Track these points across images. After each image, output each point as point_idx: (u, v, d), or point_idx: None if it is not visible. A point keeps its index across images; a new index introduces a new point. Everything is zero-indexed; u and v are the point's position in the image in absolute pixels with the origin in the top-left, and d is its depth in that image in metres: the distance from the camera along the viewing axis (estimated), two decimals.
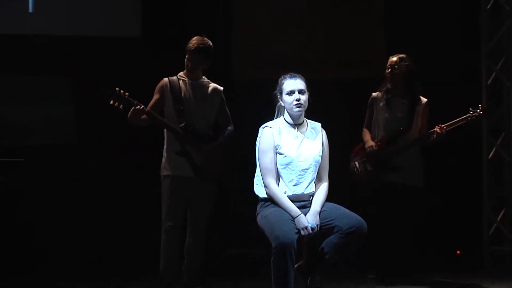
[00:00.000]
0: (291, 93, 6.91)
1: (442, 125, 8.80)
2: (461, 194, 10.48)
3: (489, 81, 10.40)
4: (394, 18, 10.97)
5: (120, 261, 9.74)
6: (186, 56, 8.37)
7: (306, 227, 6.68)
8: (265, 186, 6.85)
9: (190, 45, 8.35)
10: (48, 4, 10.23)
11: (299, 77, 6.99)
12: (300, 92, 6.89)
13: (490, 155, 10.41)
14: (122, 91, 8.11)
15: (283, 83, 6.98)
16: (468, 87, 10.24)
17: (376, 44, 10.69)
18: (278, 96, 7.01)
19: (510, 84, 10.41)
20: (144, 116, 8.16)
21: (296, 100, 6.87)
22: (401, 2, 10.91)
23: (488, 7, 10.42)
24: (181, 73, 8.48)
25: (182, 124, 8.35)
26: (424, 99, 8.98)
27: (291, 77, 6.98)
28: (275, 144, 6.87)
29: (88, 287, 8.80)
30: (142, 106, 8.16)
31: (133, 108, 8.11)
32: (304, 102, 6.88)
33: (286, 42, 10.89)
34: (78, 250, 9.81)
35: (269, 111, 7.12)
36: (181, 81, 8.49)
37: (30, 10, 10.20)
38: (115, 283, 8.95)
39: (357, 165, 9.04)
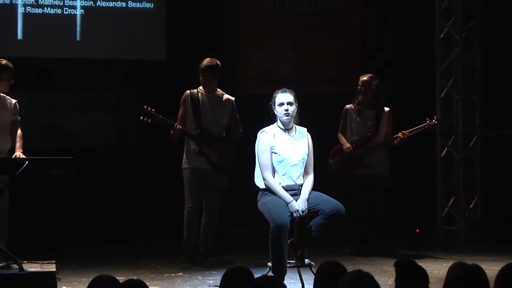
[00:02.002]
0: (281, 104, 6.96)
1: (405, 131, 8.91)
2: (420, 184, 10.47)
3: (442, 95, 10.38)
4: (367, 46, 10.95)
5: (153, 235, 9.67)
6: (200, 73, 8.44)
7: (297, 211, 6.77)
8: (263, 179, 6.90)
9: (201, 64, 8.54)
10: (93, 33, 10.14)
11: (289, 91, 7.03)
12: (289, 103, 6.94)
13: (443, 154, 10.40)
14: (149, 108, 8.33)
15: (275, 96, 7.03)
16: (425, 99, 10.22)
17: (353, 66, 10.63)
18: (273, 107, 7.02)
19: (459, 97, 10.37)
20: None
21: (285, 110, 6.92)
22: (373, 34, 10.85)
23: (441, 36, 10.39)
24: (200, 87, 8.58)
25: (199, 130, 8.47)
26: (387, 109, 9.06)
27: (282, 92, 7.03)
28: (271, 145, 6.91)
29: (127, 259, 8.71)
30: (180, 127, 8.40)
31: (173, 129, 8.38)
32: (292, 112, 6.95)
33: (282, 64, 10.83)
34: (117, 229, 9.71)
35: (267, 119, 7.12)
36: (199, 94, 8.59)
37: (78, 38, 10.09)
38: (147, 255, 8.87)
39: (335, 162, 9.08)
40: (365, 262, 8.26)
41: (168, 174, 9.28)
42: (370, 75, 9.03)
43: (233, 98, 8.65)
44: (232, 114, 8.61)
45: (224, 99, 8.61)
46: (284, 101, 6.92)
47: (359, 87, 9.03)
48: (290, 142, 6.94)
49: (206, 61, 8.50)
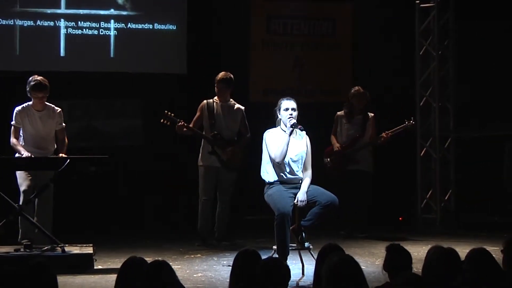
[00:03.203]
0: (286, 109, 6.92)
1: (388, 132, 8.97)
2: (402, 179, 10.42)
3: (421, 103, 10.35)
4: (357, 62, 10.88)
5: (174, 223, 9.69)
6: (215, 85, 8.44)
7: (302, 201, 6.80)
8: (275, 156, 6.82)
9: (217, 77, 8.57)
10: (124, 51, 10.14)
11: (292, 99, 7.01)
12: (293, 109, 6.92)
13: (422, 154, 10.38)
14: (169, 112, 8.39)
15: (281, 103, 6.99)
16: (407, 106, 10.13)
17: (345, 79, 10.62)
18: (277, 112, 7.00)
19: (436, 105, 10.35)
20: (185, 129, 8.38)
21: (290, 115, 6.89)
22: (362, 52, 10.75)
23: (420, 53, 10.38)
24: (215, 97, 8.60)
25: (213, 133, 8.49)
26: (371, 114, 9.11)
27: (287, 99, 7.00)
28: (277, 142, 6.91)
29: (154, 242, 8.72)
30: (183, 123, 8.36)
31: (176, 124, 8.33)
32: (295, 116, 6.91)
33: (285, 77, 10.78)
34: (145, 217, 9.77)
35: (272, 122, 7.09)
36: (215, 103, 8.60)
37: (111, 55, 10.11)
38: (171, 239, 8.88)
39: (329, 160, 9.11)
40: (356, 245, 8.27)
41: (186, 169, 9.27)
42: (359, 87, 9.12)
43: (243, 108, 8.65)
44: (242, 121, 8.62)
45: (235, 108, 8.61)
46: (289, 106, 6.89)
47: (351, 97, 9.09)
48: (291, 142, 6.90)
49: (221, 74, 8.53)
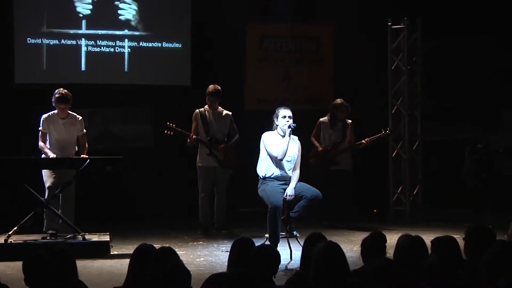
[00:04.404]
0: (284, 117, 6.91)
1: (367, 139, 8.92)
2: (377, 176, 10.42)
3: (393, 111, 10.37)
4: (338, 75, 10.86)
5: (179, 215, 9.59)
6: (206, 97, 8.48)
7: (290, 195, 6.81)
8: (276, 155, 6.83)
9: (208, 90, 8.51)
10: (136, 66, 10.15)
11: (288, 108, 7.02)
12: (290, 117, 6.92)
13: (394, 154, 10.39)
14: (171, 124, 8.35)
15: (279, 111, 6.99)
16: (380, 114, 10.13)
17: (327, 90, 10.60)
18: (275, 119, 6.98)
19: (405, 113, 10.37)
20: (195, 140, 8.41)
21: (287, 121, 6.88)
22: (341, 66, 10.73)
23: (392, 68, 10.39)
24: (206, 106, 8.55)
25: (208, 138, 8.47)
26: (349, 121, 9.08)
27: (285, 108, 7.01)
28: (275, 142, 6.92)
29: (162, 231, 8.70)
30: (195, 137, 8.37)
31: (189, 139, 8.36)
32: (291, 123, 6.89)
33: (275, 87, 10.77)
34: (154, 209, 9.70)
35: (265, 126, 7.10)
36: (206, 112, 8.56)
37: (126, 69, 10.11)
38: (176, 229, 8.85)
39: (314, 161, 9.05)
40: (337, 234, 8.24)
41: (187, 169, 9.23)
42: (340, 99, 9.05)
43: (230, 113, 8.61)
44: (230, 124, 8.58)
45: (224, 114, 8.56)
46: (286, 114, 6.90)
47: (334, 107, 9.03)
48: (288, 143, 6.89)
49: (211, 87, 8.48)
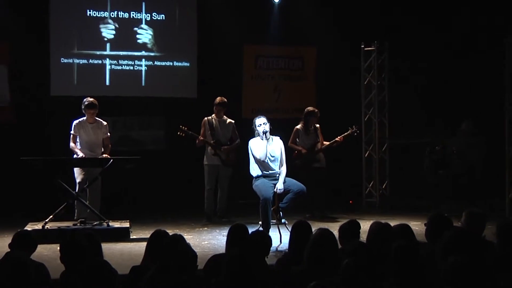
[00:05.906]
0: (260, 125, 6.91)
1: (340, 136, 8.80)
2: (352, 173, 10.35)
3: (365, 119, 10.36)
4: (319, 89, 10.87)
5: (187, 206, 9.45)
6: (214, 107, 8.40)
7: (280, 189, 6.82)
8: (259, 160, 6.81)
9: (215, 101, 8.48)
10: (152, 81, 10.14)
11: (262, 116, 6.97)
12: (264, 123, 6.89)
13: (366, 155, 10.37)
14: (183, 127, 8.32)
15: (256, 120, 7.00)
16: (355, 121, 9.94)
17: (310, 101, 10.47)
18: (254, 127, 6.99)
19: (376, 120, 10.35)
20: (202, 142, 8.34)
21: (264, 128, 6.87)
22: (322, 82, 10.77)
23: (365, 83, 10.38)
24: (213, 115, 8.50)
25: (214, 141, 8.42)
26: (318, 125, 8.85)
27: (259, 117, 6.99)
28: (256, 148, 6.91)
29: (174, 220, 8.60)
30: (202, 138, 8.33)
31: (198, 140, 8.30)
32: (267, 128, 6.88)
33: (267, 99, 10.76)
34: (167, 201, 9.62)
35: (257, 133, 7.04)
36: (213, 119, 8.51)
37: (143, 84, 10.11)
38: (185, 217, 8.74)
39: (298, 161, 8.80)
40: (318, 222, 8.19)
41: (195, 167, 9.19)
42: (313, 108, 8.85)
43: (233, 121, 8.60)
44: (233, 130, 8.57)
45: (227, 122, 8.56)
46: (261, 122, 6.90)
47: (308, 114, 8.76)
48: (267, 145, 6.90)
49: (219, 99, 8.47)
